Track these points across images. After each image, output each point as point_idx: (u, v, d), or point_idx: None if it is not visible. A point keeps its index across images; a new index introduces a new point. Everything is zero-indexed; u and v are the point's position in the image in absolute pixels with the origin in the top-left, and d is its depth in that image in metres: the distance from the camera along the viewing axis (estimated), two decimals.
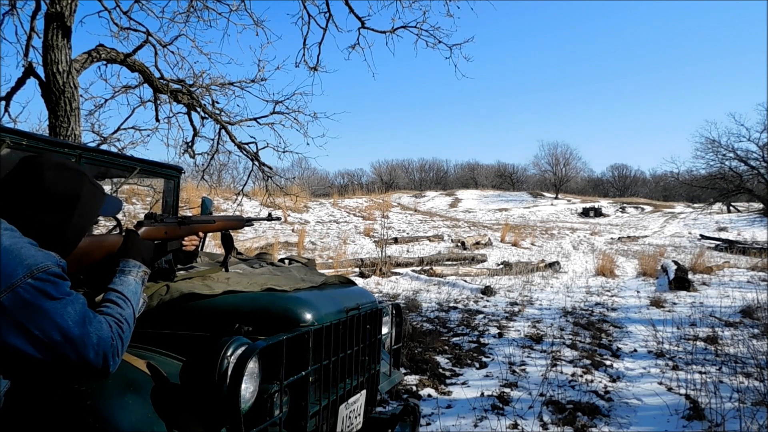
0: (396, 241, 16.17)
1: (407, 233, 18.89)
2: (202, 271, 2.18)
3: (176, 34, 8.94)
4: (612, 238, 21.41)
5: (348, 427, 2.16)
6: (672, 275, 10.24)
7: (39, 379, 1.33)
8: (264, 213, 17.53)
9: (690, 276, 10.54)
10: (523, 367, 5.05)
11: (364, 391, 2.32)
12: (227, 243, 2.26)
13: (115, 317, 1.36)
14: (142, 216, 1.86)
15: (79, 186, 1.41)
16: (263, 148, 7.54)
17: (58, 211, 1.37)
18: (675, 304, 8.58)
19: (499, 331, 6.51)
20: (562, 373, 4.85)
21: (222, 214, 2.32)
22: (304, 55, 7.27)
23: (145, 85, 6.50)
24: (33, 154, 1.45)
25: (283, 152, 7.58)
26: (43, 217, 1.35)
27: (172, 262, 1.94)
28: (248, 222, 2.42)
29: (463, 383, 4.59)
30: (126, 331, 1.37)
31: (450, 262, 13.06)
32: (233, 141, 7.23)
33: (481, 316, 7.52)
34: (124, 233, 1.64)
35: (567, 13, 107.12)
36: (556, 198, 41.47)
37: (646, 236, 22.77)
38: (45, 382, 1.35)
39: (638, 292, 10.07)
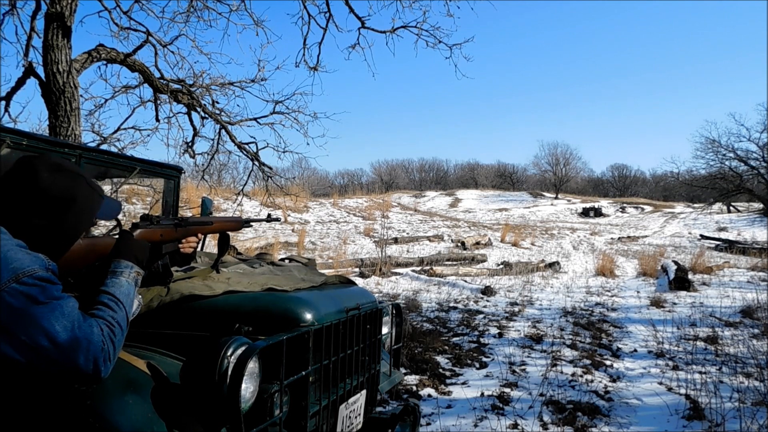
0: (396, 241, 16.17)
1: (407, 233, 18.89)
2: (195, 272, 2.17)
3: (176, 34, 8.95)
4: (612, 238, 21.41)
5: (348, 427, 2.16)
6: (672, 275, 10.24)
7: (30, 387, 1.30)
8: (264, 213, 17.53)
9: (690, 276, 10.54)
10: (523, 367, 5.05)
11: (364, 391, 2.31)
12: (222, 245, 2.21)
13: (107, 320, 1.31)
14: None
15: (74, 187, 1.38)
16: (263, 148, 7.55)
17: (51, 212, 1.34)
18: (675, 304, 8.58)
19: (499, 331, 6.51)
20: (562, 373, 4.85)
21: (220, 215, 2.27)
22: (304, 55, 7.28)
23: (145, 85, 6.50)
24: (30, 154, 1.43)
25: (283, 152, 7.58)
26: (37, 219, 1.32)
27: (167, 265, 1.88)
28: (247, 223, 2.36)
29: (463, 383, 4.59)
30: (118, 334, 1.32)
31: (450, 262, 13.06)
32: (233, 141, 7.23)
33: (481, 316, 7.52)
34: (117, 234, 1.61)
35: (567, 13, 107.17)
36: (556, 198, 41.45)
37: (646, 236, 22.77)
38: (37, 390, 1.32)
39: (638, 292, 10.07)
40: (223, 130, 7.15)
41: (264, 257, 3.02)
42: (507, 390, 4.37)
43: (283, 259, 3.05)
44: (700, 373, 4.74)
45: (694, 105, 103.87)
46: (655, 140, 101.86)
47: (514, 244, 17.60)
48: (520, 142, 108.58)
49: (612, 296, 9.52)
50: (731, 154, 27.05)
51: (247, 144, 7.36)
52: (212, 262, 2.38)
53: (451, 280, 10.60)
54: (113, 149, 6.65)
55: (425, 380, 4.56)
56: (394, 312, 2.76)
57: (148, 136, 7.13)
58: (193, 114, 6.99)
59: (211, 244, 10.50)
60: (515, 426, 3.66)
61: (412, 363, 4.95)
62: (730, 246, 17.39)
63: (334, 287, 2.45)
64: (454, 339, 6.08)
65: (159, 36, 6.30)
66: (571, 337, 6.27)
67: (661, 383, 4.60)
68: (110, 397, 1.40)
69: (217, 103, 7.07)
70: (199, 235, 2.01)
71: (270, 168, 7.74)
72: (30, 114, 38.12)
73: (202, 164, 8.01)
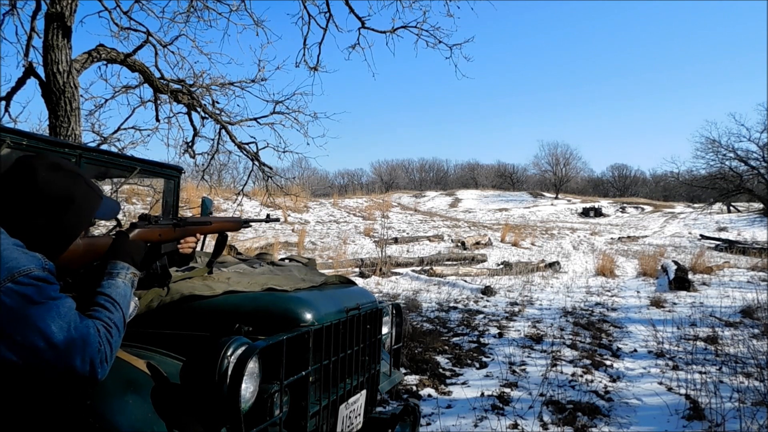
0: (396, 241, 16.17)
1: (407, 233, 18.89)
2: (191, 272, 2.16)
3: (176, 34, 8.97)
4: (612, 238, 21.41)
5: (348, 427, 2.16)
6: (672, 275, 10.23)
7: (29, 387, 1.29)
8: (264, 213, 17.53)
9: (690, 276, 10.54)
10: (523, 367, 5.05)
11: (364, 391, 2.31)
12: (219, 246, 2.20)
13: (104, 321, 1.31)
14: None
15: (73, 187, 1.38)
16: (263, 148, 7.56)
17: (50, 211, 1.34)
18: (675, 304, 8.58)
19: (499, 331, 6.51)
20: (562, 373, 4.85)
21: (220, 215, 2.27)
22: (304, 55, 7.29)
23: (145, 85, 6.50)
24: (29, 154, 1.43)
25: (283, 152, 7.59)
26: (35, 218, 1.32)
27: (166, 266, 1.87)
28: (246, 224, 2.36)
29: (463, 383, 4.59)
30: (115, 336, 1.32)
31: (450, 262, 13.06)
32: (233, 141, 7.24)
33: (481, 316, 7.52)
34: (113, 235, 1.60)
35: (567, 13, 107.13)
36: (556, 198, 41.44)
37: (646, 236, 22.76)
38: (37, 390, 1.31)
39: (638, 292, 10.07)
40: (223, 130, 7.15)
41: (264, 257, 3.02)
42: (507, 390, 4.37)
43: (283, 259, 3.05)
44: (700, 373, 4.74)
45: (694, 105, 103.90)
46: (655, 140, 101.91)
47: (514, 244, 17.60)
48: (520, 142, 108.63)
49: (612, 296, 9.52)
50: (731, 154, 27.08)
51: (247, 144, 7.37)
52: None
53: (451, 280, 10.60)
54: (113, 149, 6.66)
55: (425, 380, 4.56)
56: (394, 312, 2.76)
57: (148, 136, 7.15)
58: (193, 114, 7.00)
59: (211, 244, 10.47)
60: (515, 426, 3.67)
61: (412, 363, 4.95)
62: (730, 246, 17.38)
63: (334, 287, 2.45)
64: (454, 339, 6.08)
65: (159, 36, 6.31)
66: (571, 337, 6.27)
67: (661, 383, 4.60)
68: (110, 397, 1.40)
69: (217, 103, 7.08)
70: (198, 235, 2.00)
71: (270, 168, 7.75)
72: (30, 114, 38.22)
73: (202, 164, 8.03)
